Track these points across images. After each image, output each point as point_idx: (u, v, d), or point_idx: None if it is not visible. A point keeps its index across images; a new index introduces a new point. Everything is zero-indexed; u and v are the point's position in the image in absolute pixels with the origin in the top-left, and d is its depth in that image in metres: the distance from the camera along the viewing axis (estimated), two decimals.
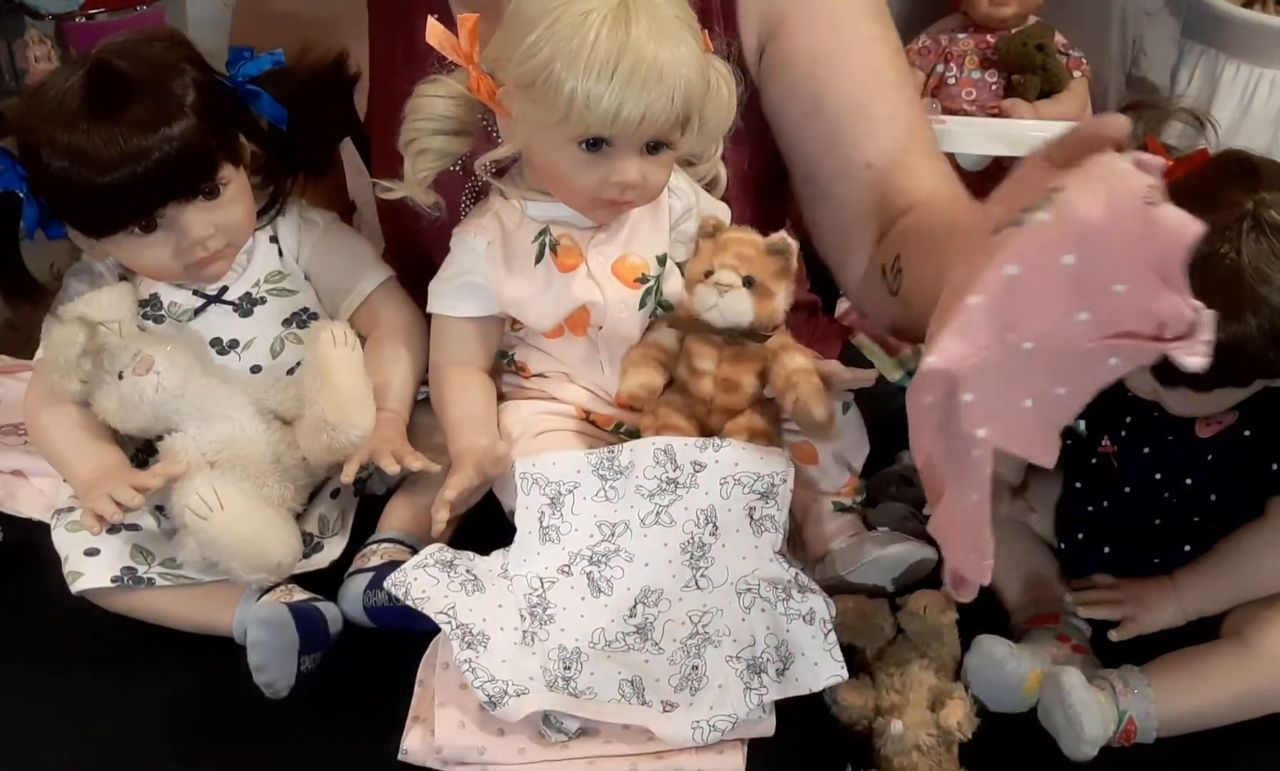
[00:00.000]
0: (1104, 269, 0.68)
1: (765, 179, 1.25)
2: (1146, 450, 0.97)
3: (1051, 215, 0.69)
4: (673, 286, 1.07)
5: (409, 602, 0.93)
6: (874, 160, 1.14)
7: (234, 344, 1.10)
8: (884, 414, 0.94)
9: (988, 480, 0.76)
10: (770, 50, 1.18)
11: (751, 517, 0.96)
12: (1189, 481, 0.97)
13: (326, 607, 1.00)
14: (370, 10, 1.24)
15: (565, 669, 0.94)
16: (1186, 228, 0.66)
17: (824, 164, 1.17)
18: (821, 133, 1.16)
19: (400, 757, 0.90)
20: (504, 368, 1.12)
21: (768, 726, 0.90)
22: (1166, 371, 0.79)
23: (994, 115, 1.92)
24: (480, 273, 1.04)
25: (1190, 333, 0.68)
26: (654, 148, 0.98)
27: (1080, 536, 1.02)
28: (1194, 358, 0.68)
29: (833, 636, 0.91)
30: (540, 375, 1.10)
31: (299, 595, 1.02)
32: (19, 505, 1.20)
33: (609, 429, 1.09)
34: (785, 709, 0.90)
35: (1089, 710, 0.87)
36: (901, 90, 1.17)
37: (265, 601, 1.00)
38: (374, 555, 1.04)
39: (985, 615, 0.95)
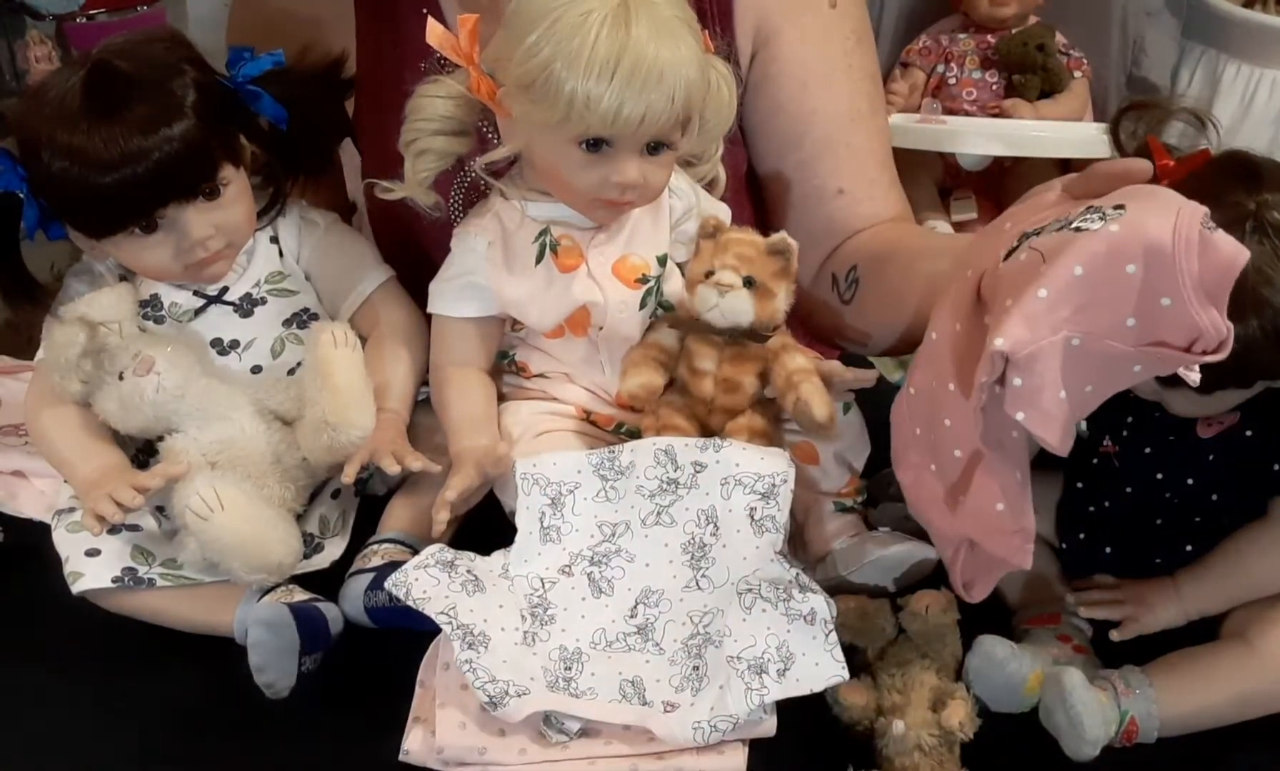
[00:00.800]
0: (1160, 282, 0.75)
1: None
2: (1148, 450, 0.97)
3: (1120, 227, 0.76)
4: (673, 287, 1.07)
5: (410, 603, 0.93)
6: (846, 187, 1.22)
7: (234, 344, 1.10)
8: (885, 414, 0.94)
9: (1027, 459, 0.83)
10: (761, 59, 1.21)
11: (752, 518, 0.96)
12: (1190, 481, 0.97)
13: (327, 608, 1.00)
14: (357, 11, 1.24)
15: (566, 669, 0.94)
16: (1240, 253, 0.76)
17: (798, 183, 1.24)
18: (802, 155, 1.23)
19: (401, 758, 0.90)
20: (504, 368, 1.12)
21: (769, 727, 0.90)
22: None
23: (995, 115, 1.91)
24: (481, 273, 1.04)
25: (1219, 348, 0.76)
26: (654, 148, 0.98)
27: (1081, 536, 1.02)
28: (1194, 373, 0.76)
29: (834, 636, 0.91)
30: (541, 375, 1.10)
31: (300, 595, 1.02)
32: (20, 506, 1.20)
33: (609, 429, 1.09)
34: (786, 709, 0.90)
35: (1090, 710, 0.87)
36: (875, 119, 1.25)
37: (266, 602, 1.00)
38: (375, 555, 1.04)
39: (986, 615, 0.95)
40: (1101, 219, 0.78)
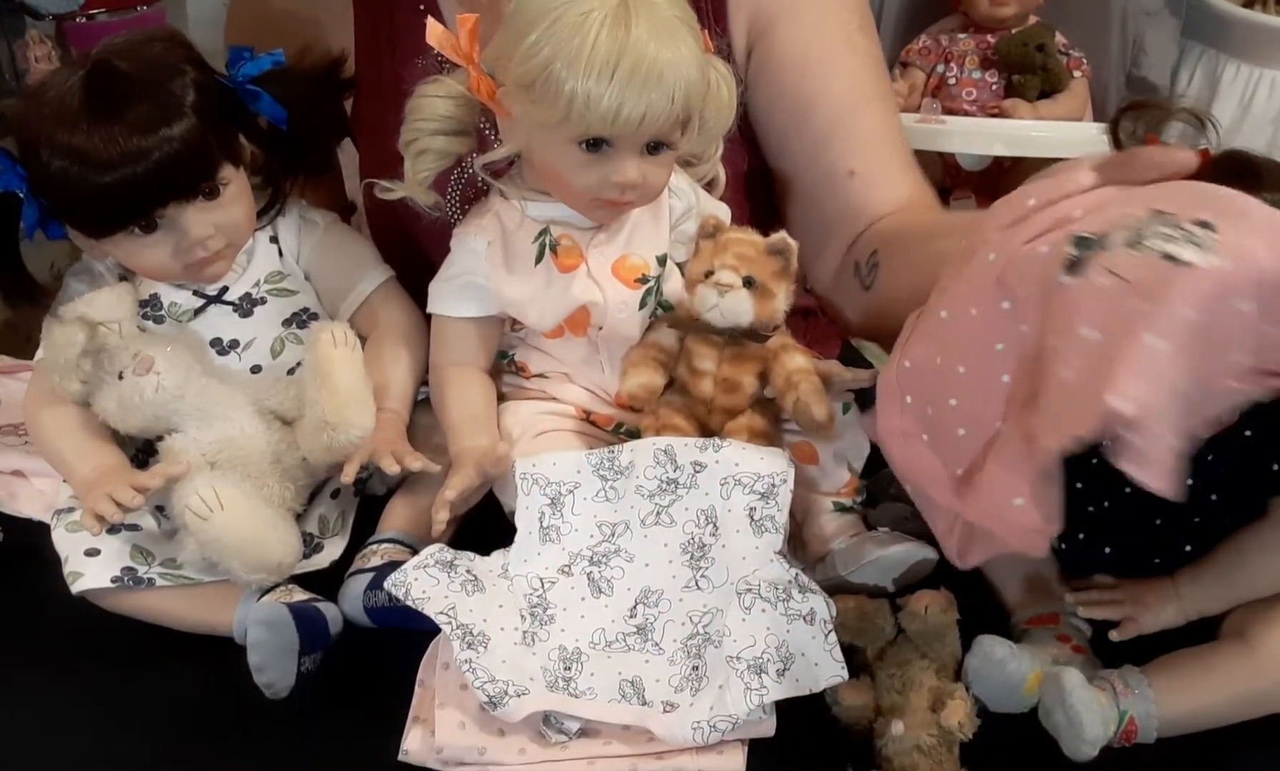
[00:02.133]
0: (1272, 312, 0.71)
1: (763, 179, 1.25)
2: None
3: (1228, 262, 0.71)
4: (673, 286, 1.07)
5: (409, 603, 0.93)
6: (857, 169, 1.19)
7: (234, 344, 1.10)
8: None
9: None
10: (758, 52, 1.20)
11: (752, 518, 0.96)
12: (1190, 481, 0.97)
13: (326, 608, 1.00)
14: (356, 11, 1.24)
15: (565, 669, 0.94)
16: None
17: (808, 170, 1.22)
18: (808, 140, 1.21)
19: (400, 758, 0.90)
20: (504, 368, 1.12)
21: (768, 727, 0.90)
22: None
23: (994, 115, 1.92)
24: (480, 273, 1.04)
25: None
26: (654, 148, 0.98)
27: (1081, 536, 1.02)
28: None
29: (833, 636, 0.91)
30: (540, 375, 1.10)
31: (299, 595, 1.02)
32: (19, 505, 1.19)
33: (609, 429, 1.09)
34: (786, 709, 0.90)
35: (1089, 710, 0.87)
36: (883, 102, 1.23)
37: (265, 601, 1.00)
38: (374, 555, 1.04)
39: (986, 615, 0.95)
40: (1190, 241, 0.73)
